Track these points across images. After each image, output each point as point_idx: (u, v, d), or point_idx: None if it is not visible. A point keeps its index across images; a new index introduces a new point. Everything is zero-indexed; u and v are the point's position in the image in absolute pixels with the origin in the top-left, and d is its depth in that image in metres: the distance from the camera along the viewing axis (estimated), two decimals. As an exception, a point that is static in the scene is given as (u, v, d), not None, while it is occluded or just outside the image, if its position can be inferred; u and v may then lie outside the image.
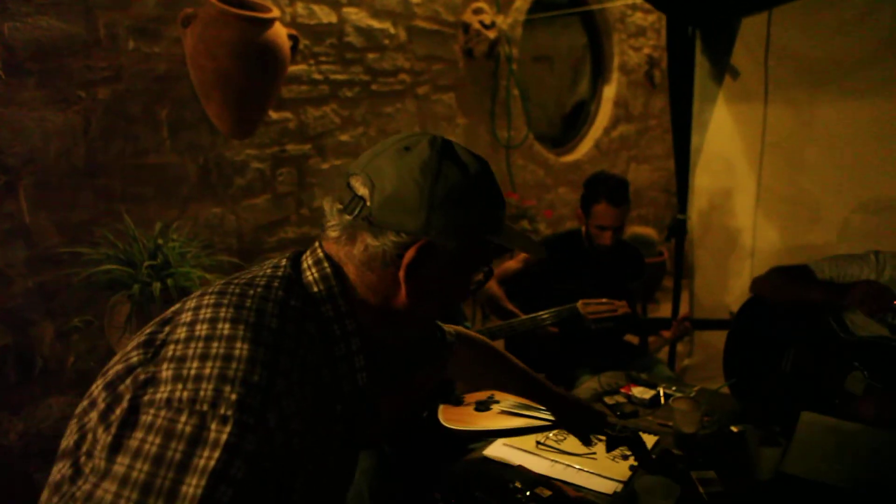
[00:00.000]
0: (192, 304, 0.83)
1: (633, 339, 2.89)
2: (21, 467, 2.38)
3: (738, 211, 3.12)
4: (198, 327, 0.78)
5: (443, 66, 3.83)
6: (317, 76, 3.19)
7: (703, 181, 3.21)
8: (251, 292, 0.82)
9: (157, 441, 0.70)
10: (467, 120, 4.05)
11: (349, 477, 0.99)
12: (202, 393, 0.71)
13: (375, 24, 3.41)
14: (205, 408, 0.71)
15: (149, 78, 2.58)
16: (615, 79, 5.23)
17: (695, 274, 3.36)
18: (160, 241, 2.22)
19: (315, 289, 0.86)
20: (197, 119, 2.72)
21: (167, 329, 0.81)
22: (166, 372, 0.75)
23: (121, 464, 0.70)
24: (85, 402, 0.82)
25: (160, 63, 2.60)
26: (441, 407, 1.58)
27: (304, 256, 0.91)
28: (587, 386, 2.01)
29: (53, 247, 2.39)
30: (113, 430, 0.73)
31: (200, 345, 0.76)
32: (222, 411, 0.70)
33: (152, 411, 0.72)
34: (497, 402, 1.58)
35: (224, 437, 0.70)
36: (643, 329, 2.79)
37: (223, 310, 0.79)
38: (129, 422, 0.73)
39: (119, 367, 0.80)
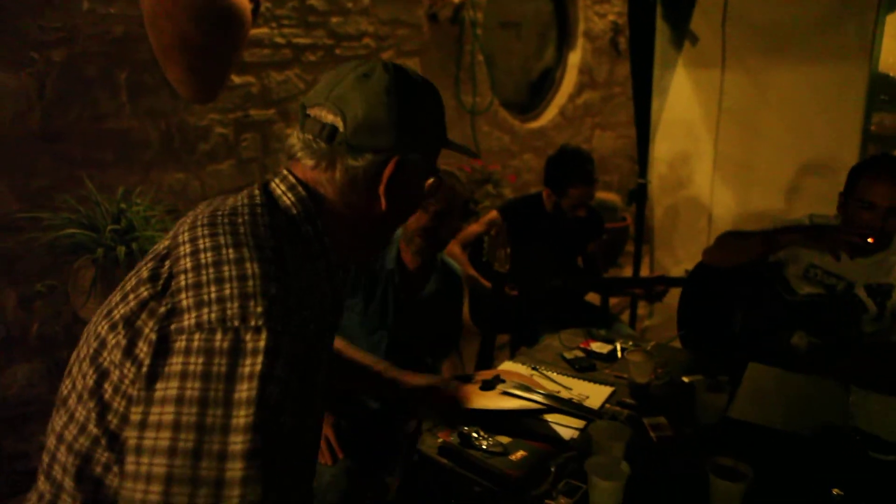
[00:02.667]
0: (185, 237, 0.87)
1: (595, 299, 2.98)
2: (-13, 434, 2.38)
3: (697, 176, 3.21)
4: (202, 256, 0.83)
5: (407, 31, 3.81)
6: (279, 40, 3.15)
7: (662, 147, 3.28)
8: (240, 220, 0.88)
9: (200, 360, 0.76)
10: (433, 86, 4.04)
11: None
12: (229, 311, 0.78)
13: (339, -14, 3.36)
14: (236, 323, 0.77)
15: (105, 40, 2.53)
16: (580, 45, 5.26)
17: (654, 237, 3.46)
18: (123, 206, 2.21)
19: (294, 211, 0.93)
20: (157, 83, 2.68)
21: (168, 263, 0.86)
22: (186, 301, 0.80)
23: (169, 388, 0.76)
24: (93, 343, 0.87)
25: (116, 24, 2.55)
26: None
27: (272, 185, 0.96)
28: (547, 343, 2.08)
29: (12, 213, 2.36)
30: (147, 361, 0.78)
31: (211, 270, 0.81)
32: (253, 323, 0.77)
33: (184, 337, 0.77)
34: (502, 381, 1.63)
35: (262, 343, 0.76)
36: (608, 289, 2.88)
37: (221, 237, 0.85)
38: (162, 350, 0.78)
39: (130, 304, 0.84)
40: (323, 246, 0.94)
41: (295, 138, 0.97)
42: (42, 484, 0.90)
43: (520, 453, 1.39)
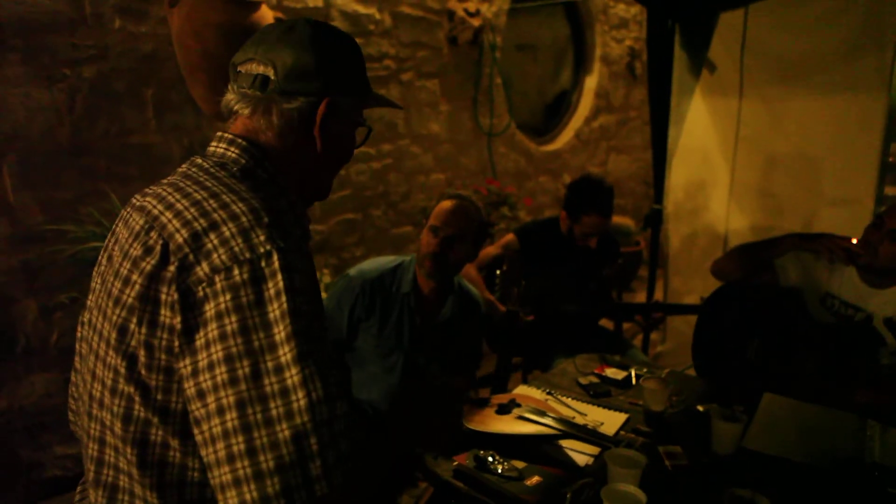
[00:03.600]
0: (159, 208, 0.92)
1: (608, 324, 2.97)
2: (3, 443, 2.40)
3: (713, 203, 3.22)
4: (186, 214, 0.88)
5: (427, 53, 3.86)
6: (302, 60, 3.21)
7: (679, 173, 3.29)
8: (202, 178, 0.94)
9: (228, 297, 0.82)
10: (450, 107, 4.09)
11: None
12: (236, 248, 0.84)
13: (361, 8, 3.43)
14: (248, 255, 0.84)
15: (134, 57, 2.59)
16: (597, 69, 5.30)
17: (668, 263, 3.45)
18: (146, 221, 2.24)
19: (243, 161, 0.98)
20: (182, 100, 2.73)
21: (154, 234, 0.89)
22: (192, 255, 0.85)
23: (209, 331, 0.82)
24: (112, 335, 0.90)
25: (146, 43, 2.61)
26: (466, 407, 1.65)
27: (210, 149, 1.02)
28: (562, 368, 2.08)
29: (37, 225, 2.40)
30: (178, 319, 0.84)
31: (203, 221, 0.87)
32: (262, 250, 0.84)
33: (204, 285, 0.84)
34: (518, 405, 1.65)
35: (276, 264, 0.84)
36: (619, 314, 2.88)
37: (196, 194, 0.91)
38: (188, 304, 0.84)
39: (137, 283, 0.88)
40: (279, 185, 1.00)
41: (230, 94, 1.03)
42: (95, 495, 0.93)
43: (535, 478, 1.39)
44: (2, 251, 2.36)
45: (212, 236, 0.86)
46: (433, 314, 2.04)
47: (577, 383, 1.94)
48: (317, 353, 0.83)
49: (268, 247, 0.84)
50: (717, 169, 3.14)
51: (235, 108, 1.02)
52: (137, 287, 0.88)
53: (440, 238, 1.94)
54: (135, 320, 0.88)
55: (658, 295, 3.48)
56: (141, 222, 0.93)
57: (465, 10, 3.92)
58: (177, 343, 0.84)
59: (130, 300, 0.89)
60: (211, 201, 0.89)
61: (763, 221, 3.06)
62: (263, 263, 0.84)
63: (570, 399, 1.82)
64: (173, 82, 2.67)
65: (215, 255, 0.84)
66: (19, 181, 2.36)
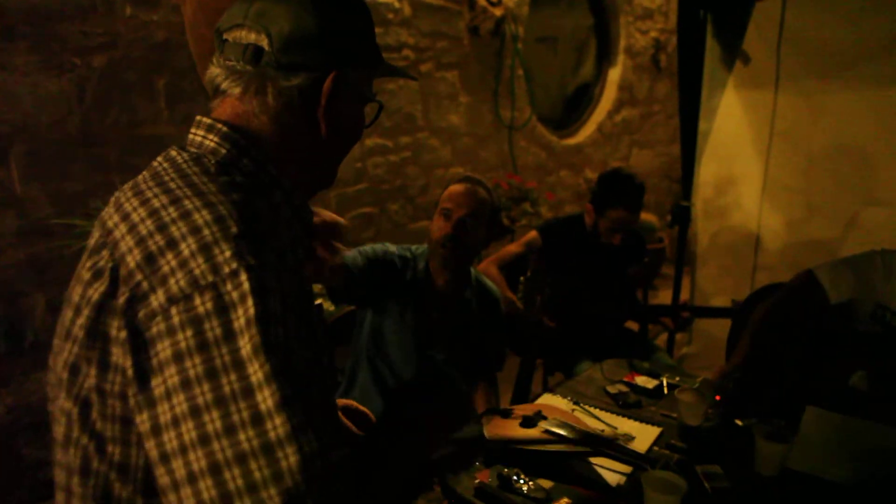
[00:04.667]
0: (115, 219, 0.78)
1: (632, 325, 2.86)
2: (9, 441, 2.34)
3: (744, 200, 3.08)
4: (141, 228, 0.74)
5: (447, 44, 3.75)
6: (319, 49, 3.11)
7: (709, 168, 3.16)
8: (169, 177, 0.79)
9: (189, 333, 0.67)
10: (470, 99, 3.98)
11: None
12: (197, 270, 0.69)
13: (380, -3, 3.32)
14: (210, 279, 0.68)
15: (146, 46, 2.51)
16: (621, 61, 5.15)
17: (697, 262, 3.32)
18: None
19: (223, 150, 0.83)
20: (195, 90, 2.65)
21: (106, 253, 0.76)
22: (144, 281, 0.70)
23: (168, 377, 0.67)
24: (64, 375, 0.77)
25: (158, 31, 2.53)
26: (488, 418, 1.54)
27: (189, 137, 0.86)
28: (588, 374, 1.97)
29: (46, 218, 2.34)
30: (129, 363, 0.70)
31: (158, 238, 0.72)
32: (227, 270, 0.69)
33: (159, 319, 0.69)
34: (544, 418, 1.54)
35: (245, 286, 0.68)
36: (644, 316, 2.76)
37: (155, 201, 0.75)
38: (140, 344, 0.69)
39: (84, 313, 0.75)
40: (269, 176, 0.85)
41: (214, 67, 0.86)
42: None
43: (564, 500, 1.29)
44: (9, 244, 2.29)
45: (169, 256, 0.70)
46: (449, 309, 1.93)
47: (605, 392, 1.83)
48: (303, 393, 0.68)
49: (234, 265, 0.69)
50: (750, 165, 3.00)
51: (223, 86, 0.86)
52: (84, 318, 0.74)
53: (454, 221, 1.84)
54: (85, 359, 0.74)
55: (684, 294, 3.36)
56: (96, 236, 0.80)
57: (487, 0, 3.80)
58: (130, 391, 0.70)
59: (78, 334, 0.75)
60: (171, 210, 0.73)
61: (798, 221, 2.92)
62: (229, 286, 0.68)
63: (597, 409, 1.72)
64: (186, 72, 2.58)
65: (172, 281, 0.69)
66: (27, 173, 2.29)
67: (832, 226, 2.79)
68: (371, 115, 0.99)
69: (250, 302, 0.68)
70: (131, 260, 0.72)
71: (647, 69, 5.45)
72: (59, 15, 2.27)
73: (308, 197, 0.94)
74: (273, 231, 0.76)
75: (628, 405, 1.75)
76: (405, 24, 3.49)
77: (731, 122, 3.03)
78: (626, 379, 1.89)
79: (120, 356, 0.71)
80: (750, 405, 1.71)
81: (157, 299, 0.69)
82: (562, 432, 1.46)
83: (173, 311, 0.68)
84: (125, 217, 0.76)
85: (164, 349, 0.68)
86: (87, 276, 0.77)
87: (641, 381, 1.87)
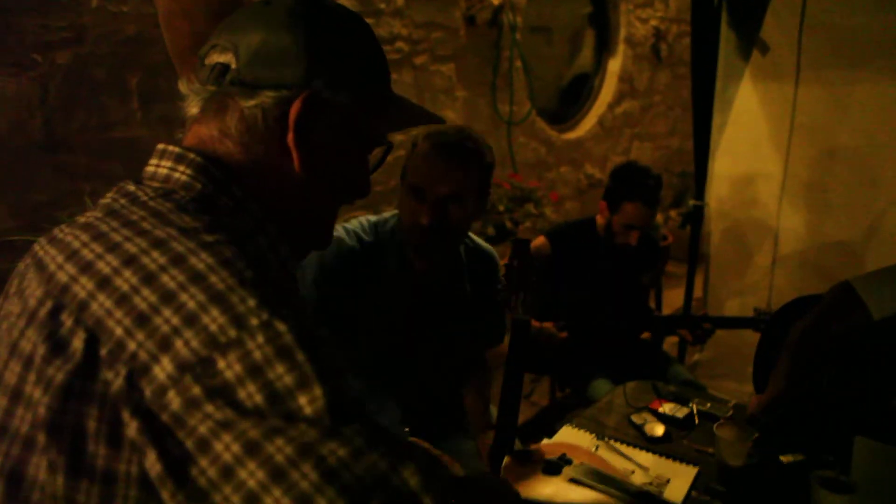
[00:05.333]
0: (70, 271, 0.60)
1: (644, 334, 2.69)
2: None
3: (762, 198, 2.90)
4: (118, 281, 0.57)
5: (442, 34, 3.54)
6: (306, 42, 2.91)
7: (723, 164, 2.98)
8: (133, 217, 0.63)
9: (220, 404, 0.53)
10: (467, 93, 3.78)
11: None
12: (213, 326, 0.54)
13: (371, -15, 3.11)
14: (232, 335, 0.54)
15: (116, 41, 2.29)
16: (621, 52, 4.96)
17: (710, 264, 3.15)
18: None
19: (198, 185, 0.68)
20: (171, 88, 2.41)
21: (66, 318, 0.58)
22: (141, 350, 0.54)
23: (218, 456, 0.52)
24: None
25: (129, 24, 2.31)
26: (506, 462, 1.34)
27: (149, 169, 0.71)
28: (609, 400, 1.79)
29: (7, 232, 2.12)
30: (152, 455, 0.53)
31: (147, 291, 0.56)
32: (255, 322, 0.55)
33: (171, 395, 0.53)
34: (569, 462, 1.34)
35: (288, 337, 0.55)
36: (660, 328, 2.59)
37: (129, 245, 0.59)
38: (162, 430, 0.53)
39: (42, 403, 0.57)
40: (253, 216, 0.70)
41: (183, 87, 0.75)
42: None
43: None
44: (-32, 262, 2.08)
45: (167, 313, 0.55)
46: (433, 298, 1.58)
47: (630, 422, 1.65)
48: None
49: (264, 315, 0.55)
50: (768, 161, 2.82)
51: (187, 111, 0.74)
52: (43, 409, 0.56)
53: (430, 203, 1.41)
54: (43, 465, 0.56)
55: (696, 295, 3.19)
56: (39, 292, 0.61)
57: (484, -13, 3.60)
58: (165, 493, 0.53)
59: (26, 431, 0.57)
60: (155, 255, 0.58)
61: (820, 220, 2.74)
62: (261, 339, 0.55)
63: (623, 445, 1.54)
64: (161, 68, 2.36)
65: (179, 343, 0.54)
66: (-14, 183, 2.08)
67: (856, 226, 2.63)
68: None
69: (300, 356, 0.55)
70: (115, 325, 0.56)
71: (648, 59, 5.26)
72: (15, 7, 2.05)
73: (296, 254, 0.77)
74: (279, 273, 0.64)
75: (657, 439, 1.58)
76: (398, 15, 3.29)
77: (748, 115, 2.85)
78: (651, 406, 1.71)
79: (132, 459, 0.55)
80: (793, 438, 1.54)
81: (164, 369, 0.54)
82: (592, 483, 1.28)
83: (188, 379, 0.53)
84: (86, 267, 0.59)
85: (197, 426, 0.53)
86: (37, 348, 0.58)
87: (669, 408, 1.70)
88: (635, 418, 1.66)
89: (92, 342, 0.56)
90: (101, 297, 0.57)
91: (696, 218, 3.04)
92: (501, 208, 3.07)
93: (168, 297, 0.56)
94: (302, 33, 0.70)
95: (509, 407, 1.29)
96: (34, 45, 2.11)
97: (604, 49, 4.99)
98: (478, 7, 3.57)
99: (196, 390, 0.53)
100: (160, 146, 0.72)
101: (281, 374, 0.54)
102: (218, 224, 0.63)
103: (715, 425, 1.44)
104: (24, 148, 2.14)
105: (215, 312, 0.55)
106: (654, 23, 5.20)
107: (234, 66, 0.70)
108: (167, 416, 0.53)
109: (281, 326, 0.55)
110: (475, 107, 3.85)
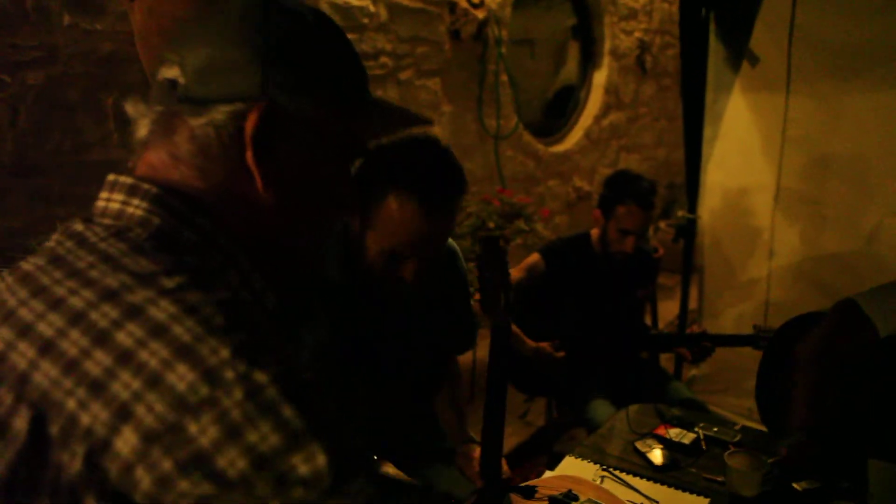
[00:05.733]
0: (3, 338, 0.53)
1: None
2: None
3: (755, 211, 2.87)
4: (64, 345, 0.49)
5: (427, 49, 3.49)
6: (289, 59, 2.83)
7: (715, 177, 2.95)
8: (80, 264, 0.55)
9: (196, 478, 0.46)
10: (453, 107, 3.72)
11: None
12: (180, 385, 0.47)
13: (354, 0, 3.05)
14: (203, 393, 0.47)
15: (90, 60, 2.21)
16: (606, 64, 4.94)
17: (704, 277, 3.11)
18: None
19: (156, 220, 0.60)
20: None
21: (5, 394, 0.50)
22: (99, 425, 0.47)
23: None
24: None
25: (103, 42, 2.23)
26: (510, 498, 1.26)
27: (99, 205, 0.63)
28: (611, 426, 1.73)
29: (-24, 261, 2.02)
30: None
31: (99, 354, 0.48)
32: (231, 375, 0.48)
33: (141, 467, 0.46)
34: (576, 498, 1.27)
35: (272, 391, 0.49)
36: (658, 346, 2.53)
37: (74, 300, 0.51)
38: None
39: None
40: (222, 250, 0.62)
41: (131, 110, 0.65)
42: None
43: None
44: (-65, 293, 1.98)
45: (125, 375, 0.47)
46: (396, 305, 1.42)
47: (635, 450, 1.59)
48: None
49: (240, 367, 0.48)
50: (760, 173, 2.79)
51: (135, 135, 0.65)
52: None
53: (413, 263, 1.24)
54: None
55: (692, 304, 3.14)
56: None
57: (469, 1, 3.56)
58: None
59: None
60: (105, 308, 0.50)
61: (814, 232, 2.71)
62: (239, 395, 0.47)
63: (630, 476, 1.47)
64: (137, 87, 2.26)
65: (142, 410, 0.46)
66: (-47, 210, 1.98)
67: (852, 237, 2.59)
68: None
69: (289, 411, 0.48)
70: (65, 397, 0.48)
71: (633, 71, 5.25)
72: (-16, 26, 1.96)
73: (281, 281, 0.68)
74: (266, 322, 0.57)
75: (664, 467, 1.51)
76: (382, 30, 3.23)
77: (739, 127, 2.82)
78: (656, 432, 1.65)
79: None
80: (807, 465, 1.48)
81: (127, 443, 0.47)
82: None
83: (156, 454, 0.45)
84: (24, 331, 0.51)
85: (173, 490, 0.46)
86: None
87: (675, 434, 1.63)
88: (640, 445, 1.59)
89: (38, 421, 0.48)
90: (46, 366, 0.49)
91: (689, 233, 3.00)
92: (492, 225, 3.01)
93: (125, 358, 0.48)
94: (254, 39, 0.62)
95: (494, 421, 1.15)
96: (3, 65, 2.01)
97: (589, 61, 4.98)
98: (462, 21, 3.52)
99: (167, 464, 0.46)
100: (110, 177, 0.63)
101: (266, 434, 0.47)
102: (180, 264, 0.55)
103: (726, 454, 1.37)
104: (-6, 172, 2.04)
105: (182, 369, 0.48)
106: (638, 35, 5.19)
107: (181, 81, 0.62)
108: (140, 496, 0.46)
109: (261, 378, 0.49)
110: (462, 121, 3.80)
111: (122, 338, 0.49)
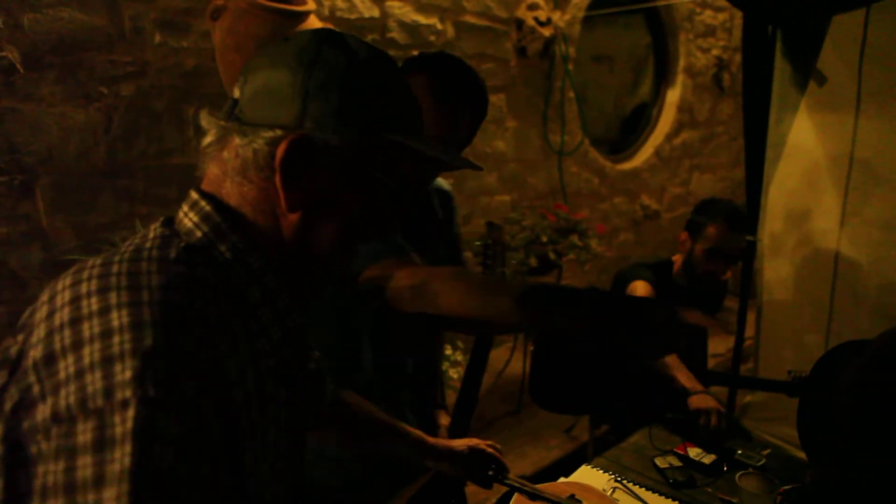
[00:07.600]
0: (45, 296, 0.64)
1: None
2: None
3: (819, 236, 2.75)
4: (57, 317, 0.60)
5: (493, 66, 3.59)
6: (356, 74, 3.00)
7: (778, 200, 2.85)
8: (117, 258, 0.64)
9: (61, 467, 0.53)
10: (517, 123, 3.79)
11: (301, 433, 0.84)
12: (90, 388, 0.55)
13: (421, 18, 3.20)
14: (99, 403, 0.54)
15: (175, 74, 2.44)
16: (680, 81, 4.87)
17: (763, 305, 3.00)
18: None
19: (199, 233, 0.69)
20: (225, 118, 2.57)
21: (21, 337, 0.62)
22: (38, 385, 0.57)
23: None
24: None
25: (188, 58, 2.46)
26: (515, 500, 1.32)
27: (180, 212, 0.72)
28: (636, 442, 1.74)
29: (70, 251, 2.28)
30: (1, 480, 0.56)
31: (67, 334, 0.58)
32: (120, 397, 0.54)
33: (40, 437, 0.55)
34: (579, 503, 1.31)
35: (129, 425, 0.53)
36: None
37: (84, 286, 0.61)
38: (13, 463, 0.56)
39: None
40: (249, 269, 0.69)
41: (204, 122, 0.72)
42: None
43: None
44: (34, 277, 2.24)
45: (70, 359, 0.56)
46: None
47: (654, 465, 1.59)
48: None
49: (127, 392, 0.54)
50: (826, 196, 2.68)
51: (203, 141, 0.72)
52: None
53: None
54: None
55: (749, 332, 3.04)
56: (28, 311, 0.65)
57: (536, 19, 3.62)
58: None
59: None
60: (93, 301, 0.59)
61: (883, 260, 2.58)
62: (116, 419, 0.53)
63: (642, 490, 1.48)
64: (216, 98, 2.50)
65: (63, 393, 0.55)
66: (53, 205, 2.24)
67: (923, 266, 2.45)
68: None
69: (129, 449, 0.52)
70: (33, 356, 0.58)
71: (709, 89, 5.13)
72: (86, 44, 2.22)
73: (309, 293, 0.77)
74: (211, 344, 0.61)
75: (680, 484, 1.51)
76: (448, 47, 3.35)
77: (804, 148, 2.73)
78: (677, 450, 1.65)
79: None
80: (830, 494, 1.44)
81: (44, 411, 0.55)
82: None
83: (53, 432, 0.54)
84: (52, 298, 0.62)
85: (36, 475, 0.54)
86: None
87: (696, 453, 1.62)
88: (659, 461, 1.60)
89: (18, 360, 0.59)
90: (42, 327, 0.60)
91: (748, 256, 2.91)
92: (545, 239, 3.04)
93: (77, 346, 0.57)
94: (302, 74, 0.67)
95: (473, 381, 1.29)
96: (102, 78, 2.27)
97: (663, 79, 4.92)
98: (529, 38, 3.59)
99: (53, 444, 0.54)
100: (190, 190, 0.72)
101: (87, 464, 0.53)
102: (182, 278, 0.63)
103: (737, 475, 1.37)
104: (88, 173, 2.30)
105: (97, 375, 0.55)
106: (716, 52, 5.08)
107: (240, 101, 0.69)
108: (19, 454, 0.55)
109: (130, 413, 0.53)
110: (526, 137, 3.86)
111: (85, 328, 0.57)
